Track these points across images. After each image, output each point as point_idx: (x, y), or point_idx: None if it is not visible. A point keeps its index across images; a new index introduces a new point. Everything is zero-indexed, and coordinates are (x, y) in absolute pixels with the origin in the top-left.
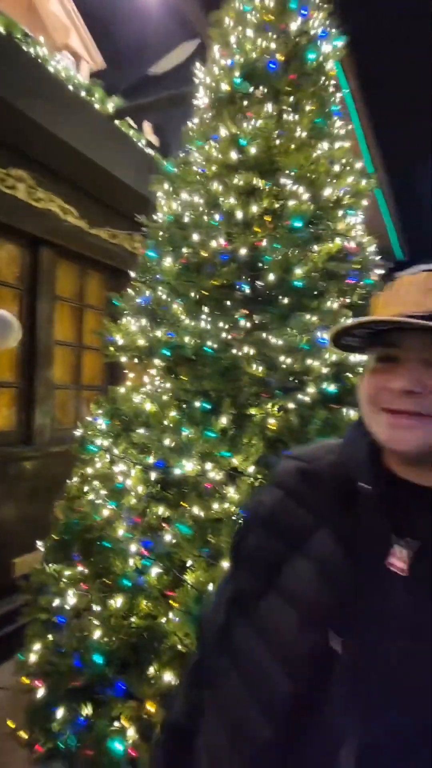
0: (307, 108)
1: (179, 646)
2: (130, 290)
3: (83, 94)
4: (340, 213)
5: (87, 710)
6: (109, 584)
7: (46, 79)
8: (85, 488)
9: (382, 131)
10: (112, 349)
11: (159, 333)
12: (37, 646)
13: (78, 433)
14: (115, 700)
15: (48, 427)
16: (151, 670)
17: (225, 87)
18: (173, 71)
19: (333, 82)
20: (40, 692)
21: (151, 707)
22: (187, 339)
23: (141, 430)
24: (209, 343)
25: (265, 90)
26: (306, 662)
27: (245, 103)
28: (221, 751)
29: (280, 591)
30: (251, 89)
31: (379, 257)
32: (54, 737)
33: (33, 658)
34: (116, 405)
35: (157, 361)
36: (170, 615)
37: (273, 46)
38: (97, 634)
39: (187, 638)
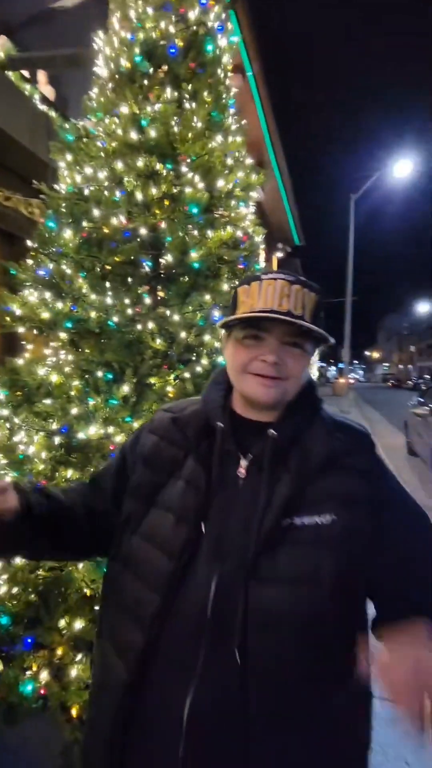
0: (206, 97)
1: (86, 590)
2: (29, 260)
3: None
4: (233, 203)
5: None
6: None
7: None
8: None
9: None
10: (8, 319)
11: (61, 305)
12: None
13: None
14: (26, 653)
15: None
16: (62, 622)
17: (125, 63)
18: (79, 10)
19: (229, 74)
20: None
21: (62, 652)
22: (93, 314)
23: (47, 401)
24: (114, 318)
25: (165, 72)
26: (180, 547)
27: (146, 82)
28: (121, 625)
29: (160, 506)
30: (151, 70)
31: (280, 243)
32: None
33: None
34: (16, 375)
35: (61, 334)
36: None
37: (172, 30)
38: (2, 590)
39: (93, 583)
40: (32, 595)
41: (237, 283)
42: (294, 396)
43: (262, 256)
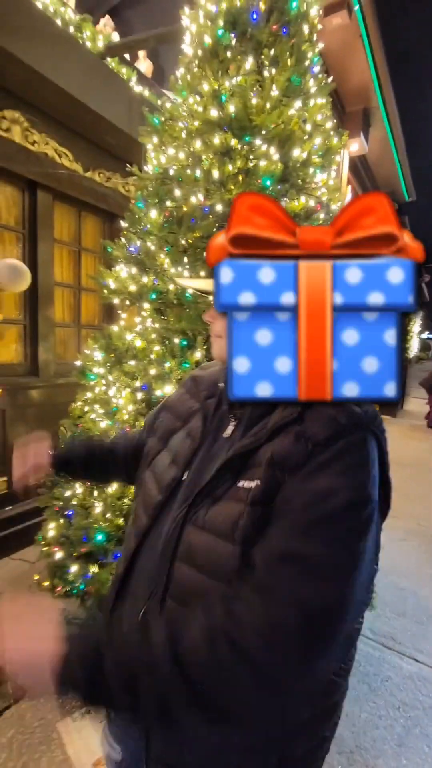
0: (287, 61)
1: None
2: (122, 239)
3: (72, 30)
4: (310, 170)
5: (94, 569)
6: None
7: (33, 16)
8: (86, 409)
9: (396, 60)
10: (105, 292)
11: (146, 279)
12: (52, 525)
13: (78, 363)
14: (114, 562)
15: (52, 362)
16: None
17: (208, 39)
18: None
19: (316, 28)
20: (58, 555)
21: None
22: (171, 287)
23: (132, 362)
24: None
25: (247, 40)
26: (167, 484)
27: (228, 54)
28: (130, 533)
29: (167, 448)
30: (234, 41)
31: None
32: (69, 584)
33: (51, 533)
34: (111, 340)
35: (146, 305)
36: None
37: None
38: (98, 509)
39: None
40: (120, 519)
41: None
42: None
43: None
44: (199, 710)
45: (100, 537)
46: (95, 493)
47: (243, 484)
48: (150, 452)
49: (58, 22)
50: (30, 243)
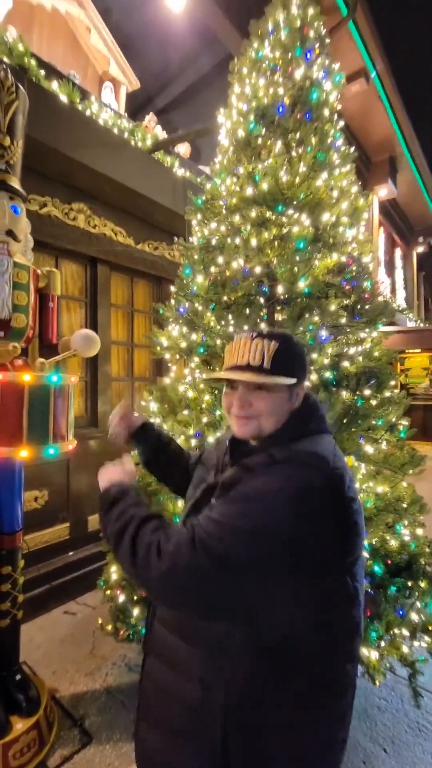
0: (311, 141)
1: None
2: (172, 300)
3: (126, 135)
4: (340, 230)
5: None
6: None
7: (97, 131)
8: None
9: (416, 110)
10: (158, 349)
11: (194, 336)
12: (114, 569)
13: (136, 414)
14: None
15: (108, 413)
16: None
17: (241, 133)
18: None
19: (336, 109)
20: (121, 598)
21: None
22: (218, 341)
23: (185, 412)
24: None
25: (275, 128)
26: (187, 506)
27: (259, 141)
28: None
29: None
30: (263, 131)
31: (421, 237)
32: (132, 628)
33: (113, 576)
34: (164, 392)
35: (195, 359)
36: None
37: (281, 91)
38: None
39: None
40: None
41: (345, 302)
42: (277, 425)
43: (382, 269)
44: (130, 552)
45: None
46: None
47: (213, 501)
48: (187, 499)
49: (115, 130)
50: (91, 309)
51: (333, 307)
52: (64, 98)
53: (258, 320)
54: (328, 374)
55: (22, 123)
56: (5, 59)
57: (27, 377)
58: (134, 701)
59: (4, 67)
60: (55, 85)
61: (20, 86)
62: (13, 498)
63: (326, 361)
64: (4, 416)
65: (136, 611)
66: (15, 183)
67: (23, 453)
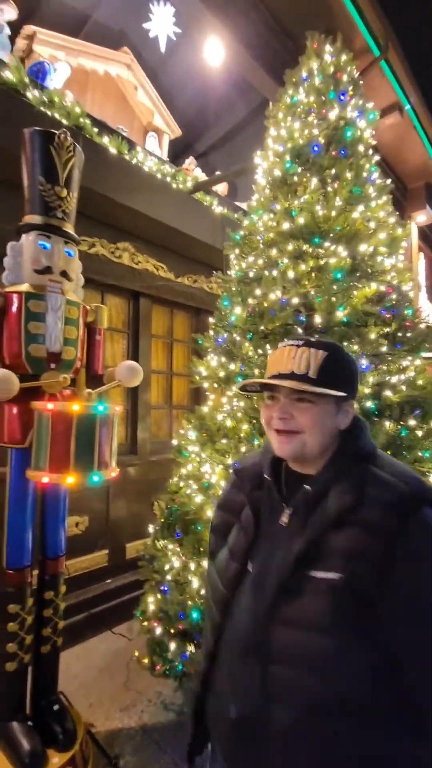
0: (347, 176)
1: None
2: (210, 331)
3: (169, 179)
4: (378, 260)
5: (191, 648)
6: (202, 551)
7: (142, 177)
8: (182, 484)
9: None
10: (198, 378)
11: (233, 366)
12: (151, 599)
13: (175, 442)
14: None
15: (148, 441)
16: None
17: (278, 172)
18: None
19: (371, 145)
20: (158, 631)
21: None
22: (256, 371)
23: (224, 440)
24: None
25: (311, 166)
26: (230, 580)
27: (295, 179)
28: (205, 627)
29: (226, 544)
30: (299, 169)
31: None
32: (168, 663)
33: (151, 607)
34: (203, 421)
35: (233, 387)
36: None
37: (316, 132)
38: (195, 584)
39: None
40: None
41: (386, 330)
42: (331, 447)
43: (423, 295)
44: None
45: (195, 615)
46: (192, 566)
47: (318, 574)
48: (214, 550)
49: (158, 175)
50: (133, 340)
51: (373, 336)
52: (113, 150)
53: None
54: (369, 404)
55: (78, 176)
56: (64, 121)
57: (76, 407)
58: (170, 742)
59: (65, 130)
60: (105, 139)
61: (77, 145)
62: (57, 523)
63: (367, 391)
64: (53, 444)
65: (173, 645)
66: (70, 229)
67: (70, 479)
